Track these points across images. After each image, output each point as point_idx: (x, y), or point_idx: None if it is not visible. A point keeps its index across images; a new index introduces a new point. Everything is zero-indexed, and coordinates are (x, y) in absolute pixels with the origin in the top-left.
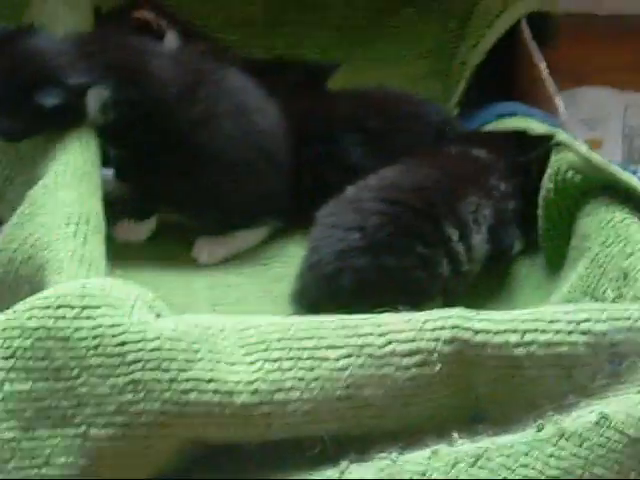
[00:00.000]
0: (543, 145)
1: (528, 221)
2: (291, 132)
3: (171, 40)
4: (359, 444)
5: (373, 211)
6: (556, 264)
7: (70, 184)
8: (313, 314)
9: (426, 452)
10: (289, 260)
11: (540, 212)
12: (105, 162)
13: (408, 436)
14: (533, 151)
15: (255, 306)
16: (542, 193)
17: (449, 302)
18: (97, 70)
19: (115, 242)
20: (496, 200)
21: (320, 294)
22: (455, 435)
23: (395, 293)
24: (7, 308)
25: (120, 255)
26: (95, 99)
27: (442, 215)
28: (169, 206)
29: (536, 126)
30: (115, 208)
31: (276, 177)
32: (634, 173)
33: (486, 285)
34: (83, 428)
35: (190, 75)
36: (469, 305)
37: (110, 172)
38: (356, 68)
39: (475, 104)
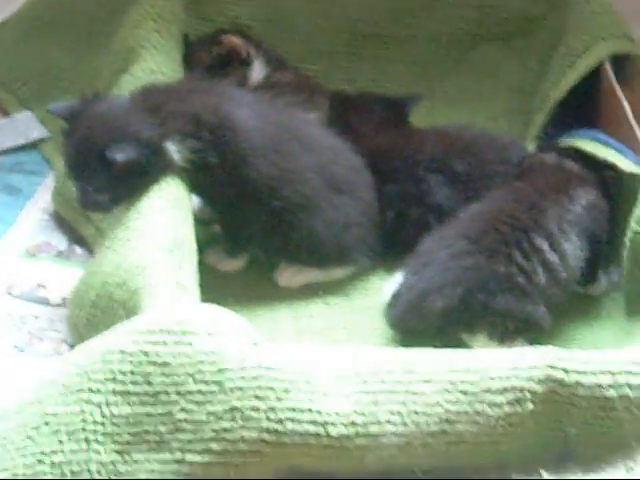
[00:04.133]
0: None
1: (612, 262)
2: (375, 170)
3: (258, 68)
4: (449, 478)
5: (474, 224)
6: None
7: (163, 209)
8: (412, 320)
9: None
10: (372, 293)
11: (625, 253)
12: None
13: (497, 472)
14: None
15: (339, 336)
16: (628, 234)
17: (552, 311)
18: (175, 121)
19: (199, 266)
20: (584, 209)
21: (432, 291)
22: (543, 473)
23: (502, 296)
24: (102, 331)
25: (205, 280)
26: (176, 150)
27: (529, 228)
28: (259, 248)
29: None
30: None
31: (362, 218)
32: None
33: (569, 324)
34: (179, 454)
35: (273, 128)
36: (551, 343)
37: (196, 197)
38: (436, 103)
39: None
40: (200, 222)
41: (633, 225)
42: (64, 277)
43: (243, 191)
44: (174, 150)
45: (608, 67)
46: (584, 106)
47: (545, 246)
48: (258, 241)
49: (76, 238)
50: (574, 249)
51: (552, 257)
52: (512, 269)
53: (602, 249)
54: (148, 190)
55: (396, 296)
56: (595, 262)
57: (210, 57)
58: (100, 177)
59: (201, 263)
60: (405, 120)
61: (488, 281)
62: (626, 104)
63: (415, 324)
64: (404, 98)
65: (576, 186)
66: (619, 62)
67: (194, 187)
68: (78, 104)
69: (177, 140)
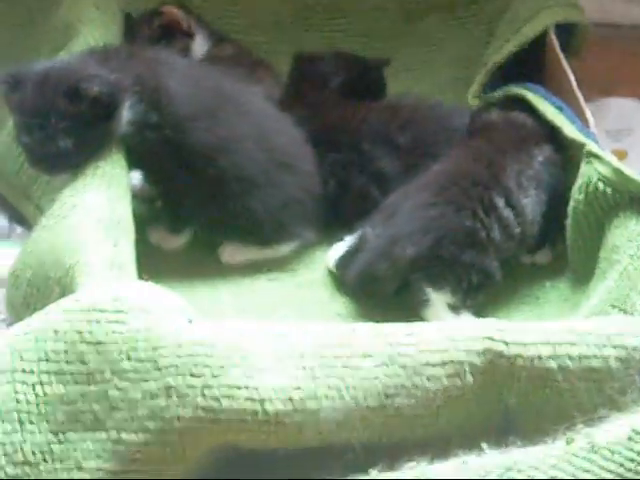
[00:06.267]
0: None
1: (555, 231)
2: (318, 140)
3: (200, 42)
4: (389, 453)
5: (435, 180)
6: (583, 275)
7: (99, 187)
8: (382, 265)
9: (455, 463)
10: (316, 267)
11: (568, 222)
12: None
13: (437, 446)
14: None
15: (282, 312)
16: (571, 204)
17: (506, 266)
18: (125, 76)
19: (141, 244)
20: (540, 163)
21: (402, 237)
22: (484, 446)
23: (468, 249)
24: (38, 310)
25: (147, 258)
26: (128, 111)
27: (489, 185)
28: (199, 225)
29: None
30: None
31: (302, 193)
32: None
33: (513, 295)
34: (114, 433)
35: (209, 94)
36: (496, 315)
37: (138, 175)
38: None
39: None
40: (142, 200)
41: (575, 194)
42: (4, 257)
43: (181, 159)
44: (127, 111)
45: (553, 36)
46: (528, 75)
47: (501, 203)
48: (197, 217)
49: (16, 217)
50: (533, 204)
51: (507, 213)
52: (477, 224)
53: (561, 203)
54: (85, 168)
55: (350, 253)
56: (550, 220)
57: (151, 29)
58: (68, 116)
59: (143, 241)
60: (383, 84)
61: (456, 234)
62: (571, 74)
63: (384, 271)
64: (377, 61)
65: (531, 140)
66: (569, 31)
67: (133, 158)
68: (18, 71)
69: (131, 100)
